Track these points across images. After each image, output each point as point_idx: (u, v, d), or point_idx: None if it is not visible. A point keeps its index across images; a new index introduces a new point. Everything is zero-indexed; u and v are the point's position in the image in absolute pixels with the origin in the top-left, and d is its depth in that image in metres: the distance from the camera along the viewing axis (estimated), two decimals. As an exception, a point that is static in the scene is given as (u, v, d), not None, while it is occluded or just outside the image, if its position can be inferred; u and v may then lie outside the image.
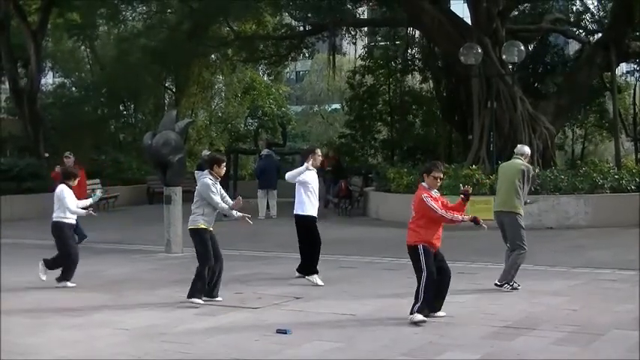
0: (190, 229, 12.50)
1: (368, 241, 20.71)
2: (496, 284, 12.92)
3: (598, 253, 17.32)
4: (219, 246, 12.68)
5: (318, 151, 15.02)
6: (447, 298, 11.25)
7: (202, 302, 11.98)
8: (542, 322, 10.50)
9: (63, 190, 14.35)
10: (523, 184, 13.32)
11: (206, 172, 12.64)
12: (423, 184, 10.97)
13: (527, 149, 14.19)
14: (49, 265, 14.35)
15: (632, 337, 9.53)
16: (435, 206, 10.67)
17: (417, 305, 10.44)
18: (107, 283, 14.79)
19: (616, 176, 23.66)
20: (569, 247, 18.50)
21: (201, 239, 12.38)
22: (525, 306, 11.65)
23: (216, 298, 12.44)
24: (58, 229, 14.43)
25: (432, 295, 10.58)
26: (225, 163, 12.81)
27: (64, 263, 14.34)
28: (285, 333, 10.11)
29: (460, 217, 10.87)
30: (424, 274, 10.51)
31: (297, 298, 12.73)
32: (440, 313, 10.79)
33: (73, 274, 14.32)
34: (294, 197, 14.73)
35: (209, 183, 12.39)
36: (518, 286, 12.91)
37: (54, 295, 13.48)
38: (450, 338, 9.75)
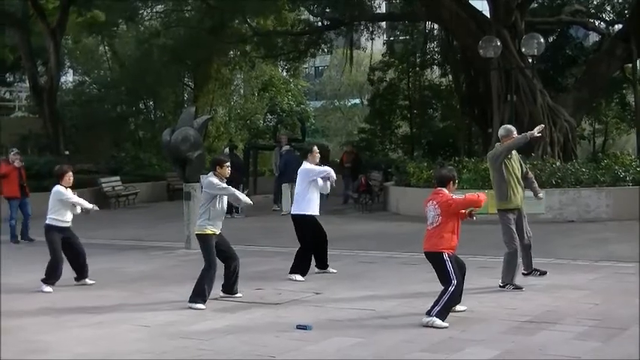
0: (196, 234, 12.34)
1: (388, 235, 20.63)
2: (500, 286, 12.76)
3: (620, 246, 17.11)
4: (230, 245, 12.55)
5: (315, 149, 15.01)
6: (467, 293, 11.20)
7: (204, 307, 11.74)
8: (564, 316, 10.41)
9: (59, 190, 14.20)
10: (494, 172, 12.83)
11: (210, 173, 12.47)
12: (444, 190, 10.61)
13: (501, 130, 13.21)
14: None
15: (655, 330, 9.43)
16: (468, 195, 10.60)
17: (437, 309, 10.06)
18: (127, 280, 14.79)
19: (638, 169, 23.45)
20: (590, 241, 18.33)
21: (206, 245, 12.18)
22: (546, 300, 11.55)
23: (236, 295, 12.40)
24: (46, 231, 14.29)
25: (455, 303, 10.37)
26: (228, 164, 12.58)
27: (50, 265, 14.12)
28: (306, 329, 10.07)
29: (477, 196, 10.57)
30: (453, 283, 10.19)
31: (317, 293, 12.69)
32: (459, 307, 10.63)
33: (55, 278, 13.97)
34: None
35: (215, 180, 12.26)
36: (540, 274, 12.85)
37: (73, 293, 13.51)
38: (470, 333, 9.68)
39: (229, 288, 12.44)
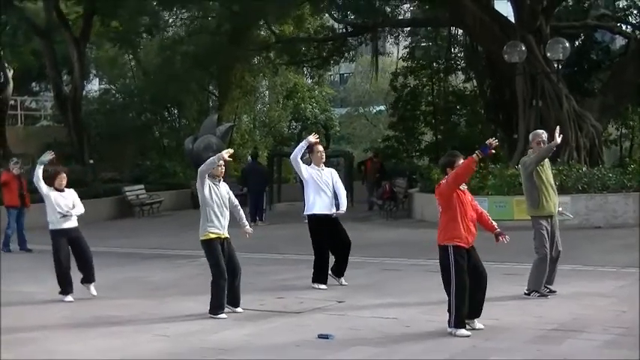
0: (200, 240, 11.91)
1: (412, 243, 20.48)
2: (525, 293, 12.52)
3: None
4: (234, 253, 12.01)
5: (319, 147, 14.32)
6: (492, 300, 11.03)
7: (225, 316, 11.54)
8: (591, 324, 10.21)
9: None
10: (525, 180, 12.63)
11: None
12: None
13: (530, 136, 13.11)
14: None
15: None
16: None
17: (451, 320, 9.79)
18: (150, 289, 14.72)
19: (665, 174, 23.21)
20: (617, 247, 18.11)
21: (209, 250, 11.77)
22: (573, 308, 11.35)
23: (237, 310, 11.91)
24: (51, 239, 13.95)
25: (465, 304, 9.82)
26: (221, 162, 11.75)
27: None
28: (327, 338, 9.92)
29: (474, 156, 9.88)
30: (453, 284, 9.81)
31: (340, 302, 12.55)
32: (478, 325, 10.08)
33: (68, 286, 13.72)
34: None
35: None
36: (549, 292, 12.45)
37: (94, 302, 13.42)
38: (494, 342, 9.51)
39: (232, 300, 11.89)
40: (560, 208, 13.16)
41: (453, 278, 9.85)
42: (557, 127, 12.53)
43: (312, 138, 14.12)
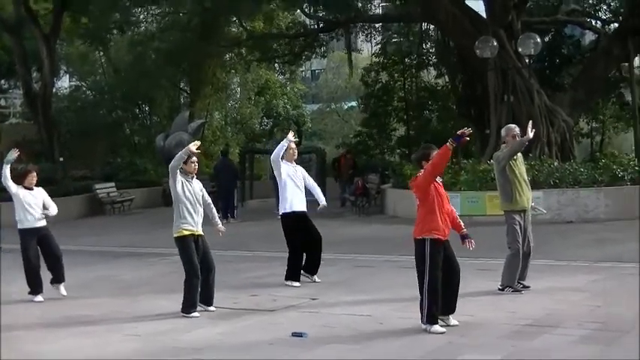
0: (174, 237, 11.75)
1: (385, 239, 20.44)
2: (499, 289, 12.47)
3: (619, 246, 16.91)
4: (209, 251, 11.87)
5: (291, 144, 14.08)
6: (466, 296, 11.03)
7: (198, 315, 11.41)
8: (565, 319, 10.18)
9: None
10: (498, 174, 12.58)
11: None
12: (421, 172, 10.02)
13: (502, 131, 13.03)
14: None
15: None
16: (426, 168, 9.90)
17: (424, 315, 9.72)
18: (122, 287, 14.58)
19: (636, 168, 23.26)
20: (589, 241, 18.14)
21: (182, 247, 11.64)
22: (547, 303, 11.32)
23: (209, 308, 11.75)
24: (20, 239, 13.74)
25: (437, 299, 9.75)
26: (193, 159, 11.70)
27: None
28: (301, 336, 9.84)
29: (443, 147, 9.72)
30: (426, 279, 9.73)
31: (313, 299, 12.47)
32: (452, 321, 10.02)
33: (37, 286, 13.53)
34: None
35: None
36: (522, 288, 12.36)
37: (66, 302, 13.27)
38: (469, 338, 9.45)
39: (204, 299, 11.75)
40: (533, 204, 13.15)
41: (426, 274, 9.77)
42: (530, 122, 12.49)
43: (292, 137, 14.03)
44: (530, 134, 12.17)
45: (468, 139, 10.23)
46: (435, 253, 9.82)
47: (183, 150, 11.55)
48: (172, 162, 11.61)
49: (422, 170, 10.05)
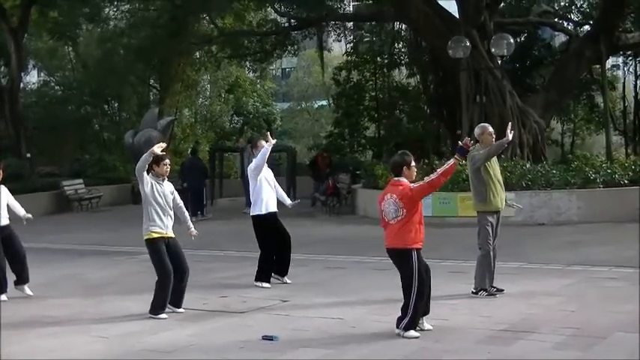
0: (144, 240, 11.49)
1: (356, 239, 20.26)
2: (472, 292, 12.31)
3: (593, 249, 16.75)
4: (182, 253, 11.62)
5: (262, 143, 13.82)
6: (440, 299, 10.91)
7: (166, 316, 11.16)
8: (540, 324, 9.98)
9: None
10: (472, 175, 12.36)
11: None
12: (402, 179, 9.84)
13: (477, 130, 12.73)
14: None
15: (635, 339, 9.01)
16: (428, 178, 9.82)
17: (406, 321, 9.55)
18: (87, 287, 14.32)
19: (609, 170, 23.20)
20: (562, 244, 17.98)
21: (153, 250, 11.38)
22: (521, 307, 11.14)
23: (178, 310, 11.48)
24: None
25: (421, 308, 9.67)
26: (166, 162, 11.47)
27: None
28: (272, 340, 9.62)
29: (452, 162, 9.85)
30: (415, 286, 9.56)
31: (284, 301, 12.24)
32: (426, 326, 9.84)
33: (2, 285, 13.19)
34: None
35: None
36: (497, 291, 12.17)
37: (30, 302, 13.01)
38: (444, 344, 9.26)
39: (174, 301, 11.48)
40: (509, 201, 13.01)
41: (415, 282, 9.60)
42: (510, 124, 12.32)
43: (273, 140, 13.77)
44: (510, 136, 12.02)
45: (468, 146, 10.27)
46: (419, 261, 9.72)
47: (147, 153, 11.21)
48: (138, 164, 11.31)
49: (404, 178, 9.86)
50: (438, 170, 9.92)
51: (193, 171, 27.39)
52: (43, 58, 48.21)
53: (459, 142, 10.35)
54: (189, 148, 34.81)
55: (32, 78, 52.21)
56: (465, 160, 9.76)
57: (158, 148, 11.19)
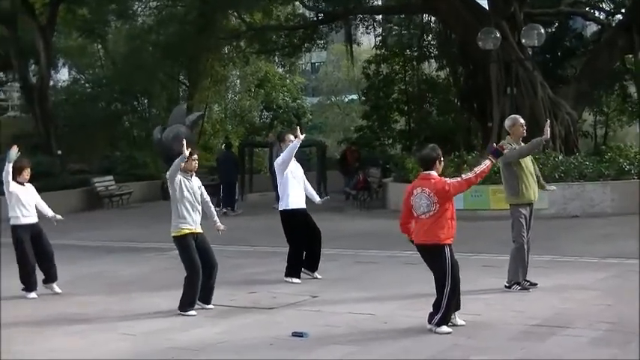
0: (172, 236, 11.48)
1: (387, 234, 19.95)
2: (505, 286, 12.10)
3: (628, 242, 16.34)
4: (210, 248, 11.56)
5: (290, 137, 13.83)
6: (472, 294, 10.78)
7: (195, 313, 11.09)
8: (575, 319, 9.77)
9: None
10: (504, 168, 12.17)
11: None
12: (433, 173, 9.73)
13: (507, 121, 12.52)
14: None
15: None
16: (465, 176, 9.74)
17: (439, 316, 9.39)
18: (117, 284, 14.25)
19: (644, 161, 22.87)
20: (596, 237, 17.69)
21: (182, 247, 11.37)
22: (555, 302, 10.92)
23: (207, 306, 11.43)
24: (12, 234, 13.37)
25: (454, 304, 9.52)
26: (195, 157, 11.49)
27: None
28: (302, 336, 9.48)
29: (488, 162, 9.77)
30: (448, 282, 9.40)
31: (314, 297, 12.09)
32: (459, 321, 9.64)
33: (32, 283, 13.23)
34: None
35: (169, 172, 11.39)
36: (530, 285, 11.96)
37: (58, 300, 12.95)
38: (477, 340, 9.06)
39: (203, 297, 11.45)
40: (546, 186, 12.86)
41: (448, 278, 9.44)
42: (548, 122, 12.11)
43: (302, 135, 13.59)
44: (548, 134, 11.81)
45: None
46: (453, 255, 9.56)
47: (179, 158, 11.24)
48: (170, 169, 11.35)
49: (435, 172, 9.76)
50: (475, 169, 9.76)
51: (227, 165, 27.60)
52: (73, 55, 48.31)
53: (494, 144, 10.21)
54: (223, 143, 34.67)
55: (63, 76, 52.40)
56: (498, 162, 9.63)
57: (187, 150, 11.22)
